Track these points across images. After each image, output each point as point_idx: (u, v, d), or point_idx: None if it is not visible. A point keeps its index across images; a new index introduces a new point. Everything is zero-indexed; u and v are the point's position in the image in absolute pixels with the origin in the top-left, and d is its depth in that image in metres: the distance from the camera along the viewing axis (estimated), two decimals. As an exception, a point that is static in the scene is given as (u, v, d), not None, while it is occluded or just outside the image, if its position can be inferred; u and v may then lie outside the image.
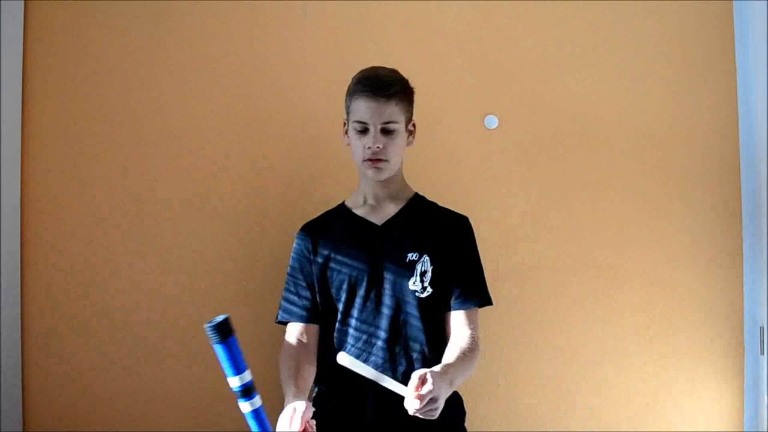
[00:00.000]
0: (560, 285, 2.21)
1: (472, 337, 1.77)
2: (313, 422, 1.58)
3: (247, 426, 1.46)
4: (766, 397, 2.17)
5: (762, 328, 2.20)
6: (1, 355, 1.93)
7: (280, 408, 1.60)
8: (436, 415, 1.53)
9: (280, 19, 2.15)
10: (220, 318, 1.38)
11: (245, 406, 1.43)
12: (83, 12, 2.08)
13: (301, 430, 1.51)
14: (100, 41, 2.08)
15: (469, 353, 1.72)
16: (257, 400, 1.43)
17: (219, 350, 1.38)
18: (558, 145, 2.23)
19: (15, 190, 2.00)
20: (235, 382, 1.40)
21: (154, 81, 2.10)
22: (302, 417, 1.52)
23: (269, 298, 2.03)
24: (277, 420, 1.56)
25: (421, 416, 1.52)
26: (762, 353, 2.20)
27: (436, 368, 1.60)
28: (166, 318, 2.07)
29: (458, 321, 1.80)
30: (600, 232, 2.23)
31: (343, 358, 1.60)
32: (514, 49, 2.23)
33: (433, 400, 1.51)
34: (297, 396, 1.63)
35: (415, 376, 1.52)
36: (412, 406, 1.50)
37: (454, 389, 1.63)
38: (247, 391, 1.41)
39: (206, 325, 1.37)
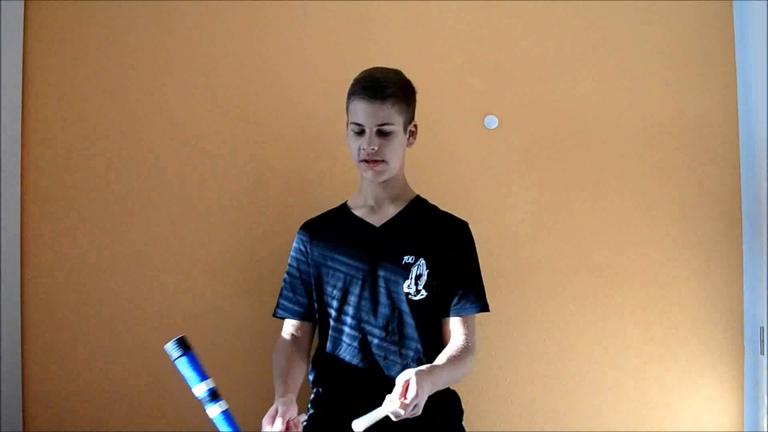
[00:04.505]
0: (560, 285, 2.21)
1: (466, 342, 1.77)
2: (302, 417, 1.60)
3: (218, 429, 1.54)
4: (766, 397, 2.17)
5: (762, 328, 2.20)
6: (1, 355, 1.93)
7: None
8: (419, 412, 1.54)
9: (280, 19, 2.15)
10: (177, 337, 1.54)
11: (215, 409, 1.52)
12: (83, 12, 2.08)
13: (284, 429, 1.53)
14: (100, 41, 2.08)
15: (458, 356, 1.73)
16: (224, 403, 1.53)
17: (183, 362, 1.53)
18: (558, 145, 2.23)
19: (15, 190, 2.00)
20: (202, 388, 1.52)
21: (154, 81, 2.10)
22: (284, 416, 1.54)
23: (269, 297, 2.02)
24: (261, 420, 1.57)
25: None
26: (762, 353, 2.20)
27: (423, 368, 1.61)
28: (166, 318, 2.07)
29: (454, 326, 1.80)
30: (600, 232, 2.23)
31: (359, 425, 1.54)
32: (514, 49, 2.23)
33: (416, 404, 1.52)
34: (284, 395, 1.64)
35: (400, 381, 1.53)
36: (396, 413, 1.50)
37: (435, 390, 1.63)
38: (214, 395, 1.52)
39: (168, 344, 1.54)
